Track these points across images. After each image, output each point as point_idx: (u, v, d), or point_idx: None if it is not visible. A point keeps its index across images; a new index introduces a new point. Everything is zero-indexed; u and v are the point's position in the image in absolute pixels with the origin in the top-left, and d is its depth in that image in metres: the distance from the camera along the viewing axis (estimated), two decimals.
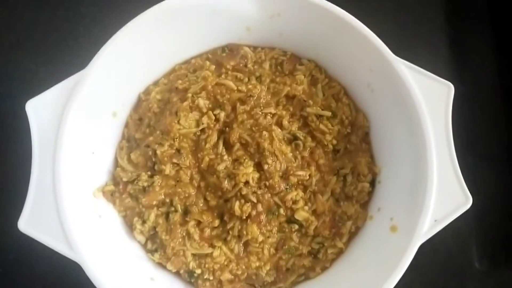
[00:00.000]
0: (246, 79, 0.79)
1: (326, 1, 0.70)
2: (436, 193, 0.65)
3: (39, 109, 0.66)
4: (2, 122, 0.90)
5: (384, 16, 0.97)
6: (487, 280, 0.89)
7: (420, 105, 0.68)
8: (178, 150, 0.74)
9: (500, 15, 0.99)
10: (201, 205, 0.74)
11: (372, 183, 0.77)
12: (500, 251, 0.90)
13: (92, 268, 0.62)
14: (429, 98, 0.68)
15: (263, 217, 0.72)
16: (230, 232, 0.73)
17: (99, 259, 0.64)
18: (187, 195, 0.73)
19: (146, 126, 0.77)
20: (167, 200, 0.74)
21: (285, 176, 0.73)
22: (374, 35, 0.69)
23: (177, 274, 0.74)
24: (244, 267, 0.73)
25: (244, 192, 0.71)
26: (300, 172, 0.74)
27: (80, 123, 0.68)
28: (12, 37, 0.94)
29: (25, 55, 0.93)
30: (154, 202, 0.73)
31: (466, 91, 0.89)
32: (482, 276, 0.89)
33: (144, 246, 0.75)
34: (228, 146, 0.74)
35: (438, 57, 0.96)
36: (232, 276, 0.73)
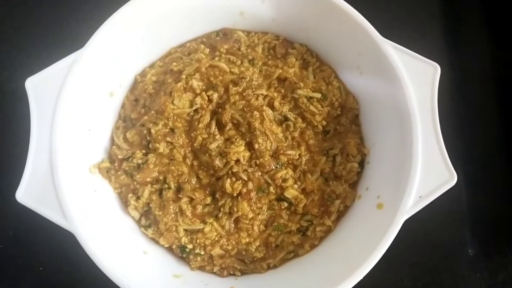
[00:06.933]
0: (239, 62, 0.81)
1: None
2: (421, 170, 0.67)
3: (38, 86, 0.69)
4: (4, 104, 0.93)
5: (378, 4, 0.98)
6: (478, 264, 0.89)
7: (406, 84, 0.69)
8: (172, 129, 0.76)
9: (493, 5, 1.01)
10: (194, 182, 0.76)
11: (361, 164, 0.79)
12: (492, 235, 0.91)
13: (86, 238, 0.64)
14: (415, 78, 0.70)
15: (253, 194, 0.74)
16: (221, 209, 0.74)
17: (93, 230, 0.66)
18: (180, 173, 0.75)
19: (142, 106, 0.80)
20: (161, 178, 0.76)
21: (275, 155, 0.75)
22: (362, 16, 0.71)
23: (170, 249, 0.76)
24: (234, 242, 0.75)
25: (235, 170, 0.73)
26: (290, 152, 0.76)
27: (77, 100, 0.70)
28: (15, 23, 0.97)
29: (28, 41, 0.96)
30: (148, 179, 0.76)
31: (457, 77, 0.90)
32: (473, 260, 0.89)
33: (138, 222, 0.77)
34: (221, 126, 0.76)
35: (430, 44, 0.97)
36: (223, 251, 0.75)
